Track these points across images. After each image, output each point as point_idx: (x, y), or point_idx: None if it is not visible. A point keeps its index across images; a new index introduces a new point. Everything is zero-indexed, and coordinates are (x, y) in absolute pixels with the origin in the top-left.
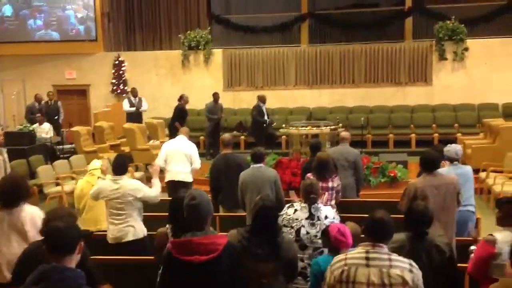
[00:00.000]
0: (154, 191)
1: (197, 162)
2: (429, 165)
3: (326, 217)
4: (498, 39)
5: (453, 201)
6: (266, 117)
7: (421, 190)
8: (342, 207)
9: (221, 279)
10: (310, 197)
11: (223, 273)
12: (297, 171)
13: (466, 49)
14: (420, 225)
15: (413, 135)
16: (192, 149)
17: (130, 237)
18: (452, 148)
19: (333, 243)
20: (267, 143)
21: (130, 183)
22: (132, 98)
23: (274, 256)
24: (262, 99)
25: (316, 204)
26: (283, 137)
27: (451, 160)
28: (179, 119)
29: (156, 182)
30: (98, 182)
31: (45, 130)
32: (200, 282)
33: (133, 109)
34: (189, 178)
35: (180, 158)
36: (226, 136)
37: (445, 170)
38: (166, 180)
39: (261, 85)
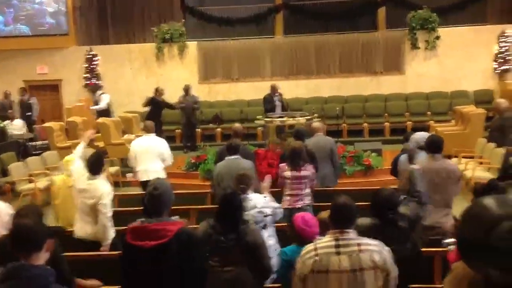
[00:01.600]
0: (108, 218)
1: (169, 159)
2: (433, 147)
3: (254, 207)
4: (470, 27)
5: (451, 186)
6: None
7: (419, 172)
8: (319, 196)
9: (170, 265)
10: (240, 187)
11: (172, 259)
12: (274, 162)
13: (438, 37)
14: (385, 210)
15: (387, 123)
16: (163, 146)
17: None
18: (414, 136)
19: (297, 232)
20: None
21: (99, 190)
22: (93, 95)
23: (239, 244)
24: (271, 89)
25: (245, 195)
26: (259, 128)
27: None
28: (155, 111)
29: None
30: (73, 172)
31: (18, 127)
32: (150, 267)
33: (95, 107)
34: (162, 175)
35: (151, 156)
36: (238, 126)
37: (403, 157)
38: (140, 180)
39: (237, 77)
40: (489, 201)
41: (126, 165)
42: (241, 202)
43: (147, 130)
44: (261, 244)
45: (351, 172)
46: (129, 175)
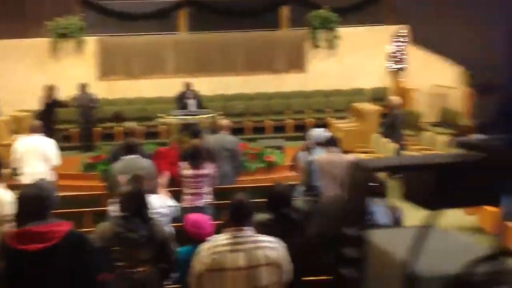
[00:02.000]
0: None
1: (56, 159)
2: (331, 142)
3: (152, 208)
4: (367, 27)
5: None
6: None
7: (319, 165)
8: (220, 194)
9: (59, 269)
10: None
11: (62, 262)
12: (175, 160)
13: (338, 37)
14: (279, 205)
15: (289, 120)
16: (49, 146)
17: None
18: (311, 132)
19: (188, 234)
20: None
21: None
22: None
23: (151, 240)
24: (184, 86)
25: None
26: (163, 126)
27: (313, 144)
28: (50, 110)
29: None
30: None
31: None
32: (36, 272)
33: None
34: (48, 177)
35: (36, 158)
36: (132, 125)
37: (301, 153)
38: (24, 182)
39: (138, 73)
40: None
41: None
42: (146, 198)
43: (33, 130)
44: (169, 240)
45: (254, 169)
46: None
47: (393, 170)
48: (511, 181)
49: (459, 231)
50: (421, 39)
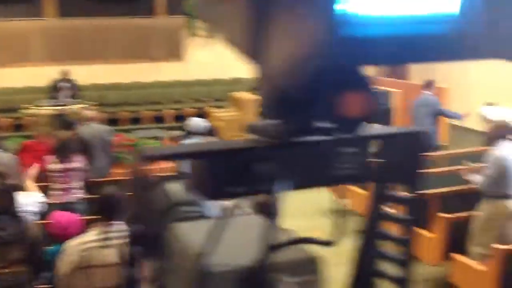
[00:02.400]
0: None
1: None
2: (208, 132)
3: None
4: None
5: None
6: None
7: None
8: (93, 188)
9: None
10: None
11: None
12: (42, 154)
13: None
14: (109, 210)
15: (168, 110)
16: None
17: None
18: (189, 122)
19: (54, 235)
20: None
21: None
22: None
23: (20, 239)
24: (60, 74)
25: None
26: (30, 118)
27: (191, 134)
28: None
29: None
30: None
31: None
32: None
33: None
34: None
35: None
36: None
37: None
38: None
39: (3, 62)
40: (172, 186)
41: None
42: (14, 194)
43: None
44: (39, 238)
45: (130, 161)
46: None
47: (179, 158)
48: (288, 167)
49: (331, 215)
50: None
